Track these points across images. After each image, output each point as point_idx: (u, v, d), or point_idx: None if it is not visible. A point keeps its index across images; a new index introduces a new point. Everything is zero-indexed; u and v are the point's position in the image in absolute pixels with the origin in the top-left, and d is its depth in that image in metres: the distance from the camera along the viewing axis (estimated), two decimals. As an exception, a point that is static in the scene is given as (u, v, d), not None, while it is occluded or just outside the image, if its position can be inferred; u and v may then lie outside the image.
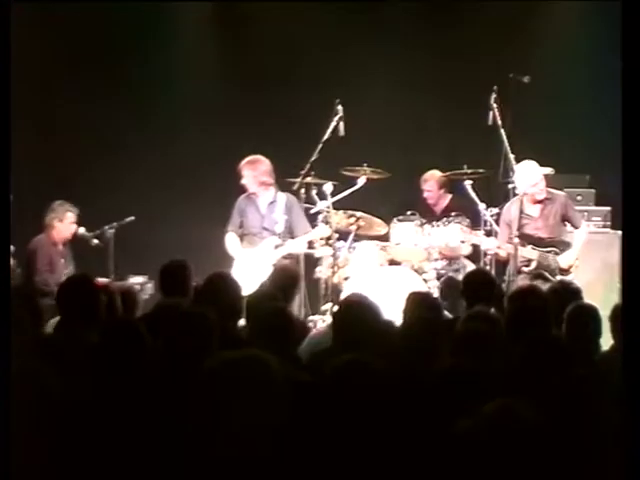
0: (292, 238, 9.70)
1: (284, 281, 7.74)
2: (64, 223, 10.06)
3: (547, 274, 9.19)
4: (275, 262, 9.37)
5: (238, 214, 9.90)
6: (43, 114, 11.58)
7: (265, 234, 9.74)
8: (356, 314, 5.54)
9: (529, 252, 9.20)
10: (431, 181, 10.81)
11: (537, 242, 9.27)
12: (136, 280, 10.38)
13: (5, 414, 3.36)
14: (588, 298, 6.88)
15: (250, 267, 8.73)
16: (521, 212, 9.23)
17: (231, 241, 9.83)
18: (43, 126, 11.56)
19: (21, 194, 9.03)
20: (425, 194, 10.86)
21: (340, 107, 10.19)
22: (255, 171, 9.80)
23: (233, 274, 9.16)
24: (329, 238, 9.72)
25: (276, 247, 9.63)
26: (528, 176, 9.28)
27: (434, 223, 10.16)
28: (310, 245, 9.78)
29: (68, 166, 11.49)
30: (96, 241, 10.18)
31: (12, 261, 8.79)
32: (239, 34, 12.10)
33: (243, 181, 9.84)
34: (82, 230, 10.16)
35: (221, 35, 12.27)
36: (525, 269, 9.18)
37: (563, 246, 9.35)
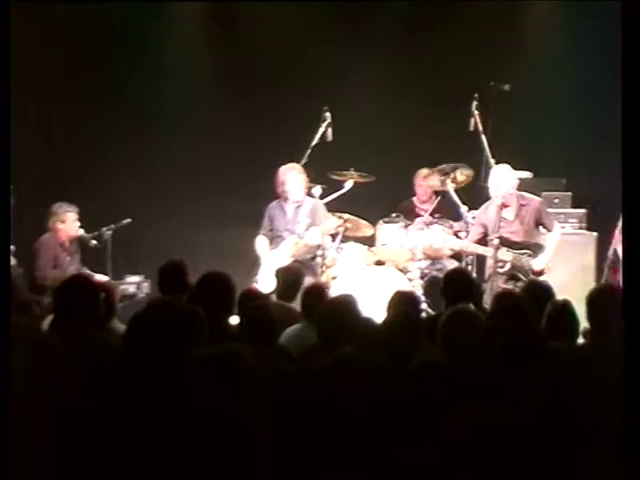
0: None
1: (288, 280, 7.75)
2: (67, 224, 9.98)
3: (520, 275, 9.19)
4: (292, 259, 9.49)
5: (268, 219, 9.93)
6: (40, 117, 11.49)
7: (287, 235, 9.78)
8: (337, 312, 5.54)
9: (504, 254, 9.21)
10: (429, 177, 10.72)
11: (512, 245, 9.27)
12: (133, 279, 10.38)
13: (4, 413, 3.30)
14: (565, 297, 6.84)
15: (274, 267, 8.73)
16: (497, 215, 9.22)
17: (260, 244, 9.87)
18: (41, 129, 11.47)
19: (20, 196, 8.97)
20: (420, 190, 10.80)
21: (328, 114, 10.28)
22: (301, 179, 9.81)
23: (258, 274, 9.58)
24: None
25: (295, 243, 9.69)
26: (501, 180, 9.28)
27: (418, 225, 10.15)
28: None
29: (66, 169, 11.46)
30: (94, 242, 10.12)
31: (13, 260, 8.74)
32: (230, 37, 12.05)
33: (287, 187, 9.80)
34: (81, 232, 10.10)
35: (212, 38, 12.20)
36: (500, 270, 9.18)
37: (537, 249, 9.34)
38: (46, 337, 4.12)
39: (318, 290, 6.98)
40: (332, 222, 9.78)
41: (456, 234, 9.86)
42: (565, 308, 5.98)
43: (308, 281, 9.09)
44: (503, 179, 9.29)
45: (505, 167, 9.44)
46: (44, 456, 3.47)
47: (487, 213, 9.40)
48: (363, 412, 3.50)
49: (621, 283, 9.09)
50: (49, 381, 3.58)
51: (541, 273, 9.24)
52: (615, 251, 9.69)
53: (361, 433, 3.47)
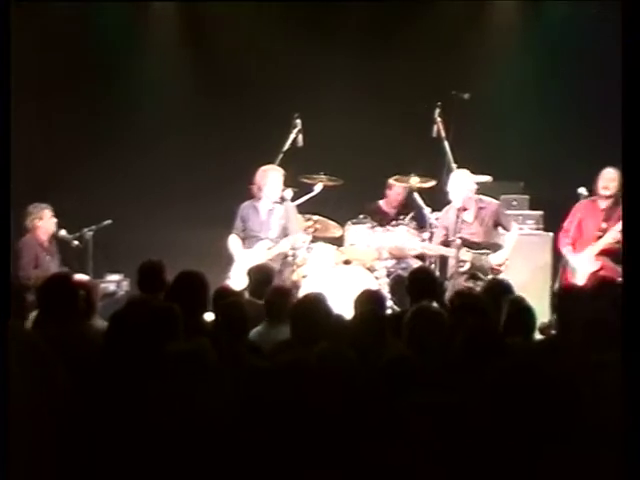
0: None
1: (260, 278, 7.75)
2: (45, 220, 9.92)
3: (480, 274, 9.24)
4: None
5: (241, 219, 9.89)
6: (21, 120, 11.34)
7: (263, 237, 9.75)
8: (308, 309, 5.55)
9: (464, 254, 9.25)
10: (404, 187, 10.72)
11: (472, 245, 9.34)
12: (113, 278, 10.35)
13: (4, 410, 3.27)
14: (523, 295, 6.87)
15: (247, 266, 8.70)
16: (457, 217, 9.26)
17: (232, 243, 9.83)
18: (23, 132, 11.31)
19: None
20: (398, 196, 10.78)
21: (299, 120, 10.31)
22: (280, 180, 9.79)
23: (231, 272, 9.55)
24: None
25: (269, 248, 9.65)
26: (459, 185, 9.33)
27: (385, 226, 10.17)
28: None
29: (48, 173, 11.37)
30: (76, 242, 10.11)
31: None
32: (204, 45, 12.08)
33: (266, 187, 9.77)
34: (63, 232, 10.07)
35: (187, 45, 12.19)
36: (461, 269, 9.22)
37: (496, 248, 9.42)
38: (30, 335, 4.11)
39: (281, 291, 6.97)
40: (303, 237, 9.80)
41: (420, 235, 9.90)
42: (522, 305, 6.00)
43: (279, 279, 9.15)
44: (461, 184, 9.36)
45: (463, 172, 9.51)
46: (32, 448, 3.46)
47: (448, 216, 9.47)
48: (337, 404, 3.51)
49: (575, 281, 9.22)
50: (35, 377, 3.57)
51: (499, 270, 9.30)
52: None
53: (334, 425, 3.47)
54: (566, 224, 9.70)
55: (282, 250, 9.71)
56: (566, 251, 9.60)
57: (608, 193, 9.45)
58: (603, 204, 9.51)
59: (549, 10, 11.92)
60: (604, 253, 9.36)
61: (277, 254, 9.69)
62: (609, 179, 9.45)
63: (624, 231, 3.71)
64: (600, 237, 9.40)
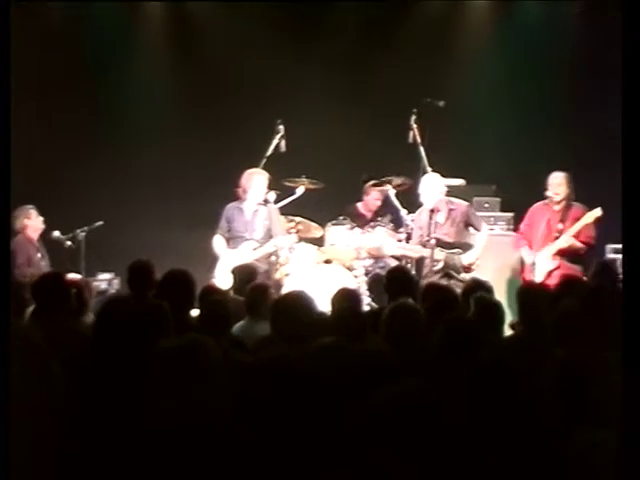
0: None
1: (243, 277, 7.77)
2: (32, 219, 9.90)
3: (453, 272, 9.27)
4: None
5: (226, 220, 9.87)
6: (18, 125, 11.23)
7: (248, 238, 9.75)
8: (291, 306, 5.54)
9: (437, 253, 9.29)
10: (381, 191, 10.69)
11: (444, 245, 9.37)
12: (104, 277, 10.36)
13: (4, 408, 3.21)
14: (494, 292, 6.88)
15: (232, 265, 8.68)
16: (430, 219, 9.28)
17: (217, 243, 9.83)
18: (18, 136, 11.18)
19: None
20: (376, 202, 10.74)
21: (281, 127, 10.32)
22: (265, 183, 9.77)
23: (216, 271, 9.54)
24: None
25: (254, 249, 9.66)
26: (430, 188, 9.36)
27: (364, 227, 10.18)
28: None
29: (42, 175, 11.32)
30: (69, 243, 10.13)
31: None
32: (192, 52, 12.10)
33: (251, 190, 9.76)
34: (57, 233, 10.07)
35: (176, 52, 12.18)
36: (434, 268, 9.24)
37: (467, 247, 9.46)
38: (30, 331, 4.07)
39: (260, 288, 6.97)
40: (288, 239, 9.81)
41: (397, 235, 9.93)
42: (491, 300, 6.01)
43: (265, 278, 9.15)
44: (432, 187, 9.41)
45: (434, 176, 9.56)
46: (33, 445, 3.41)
47: (420, 217, 9.53)
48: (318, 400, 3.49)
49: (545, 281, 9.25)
50: (35, 374, 3.53)
51: (470, 268, 9.34)
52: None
53: (319, 421, 3.45)
54: (522, 226, 9.86)
55: (269, 250, 9.72)
56: (524, 250, 9.70)
57: (559, 198, 9.58)
58: (557, 207, 9.60)
59: (520, 11, 11.92)
60: (560, 253, 9.46)
61: (263, 254, 9.70)
62: (557, 185, 9.61)
63: (624, 231, 3.65)
64: (557, 237, 9.50)
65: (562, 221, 9.55)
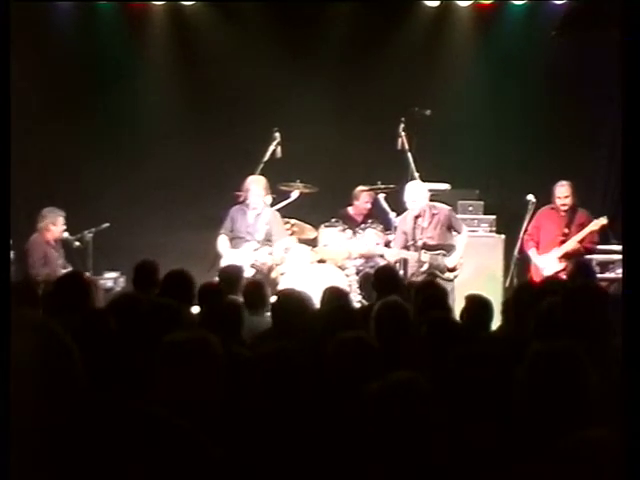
0: (269, 243, 9.80)
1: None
2: (57, 226, 9.99)
3: (437, 272, 9.32)
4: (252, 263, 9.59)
5: (230, 220, 9.89)
6: (31, 128, 11.21)
7: (250, 239, 9.77)
8: (292, 304, 5.56)
9: (422, 255, 9.31)
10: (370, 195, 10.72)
11: (428, 247, 9.41)
12: (110, 275, 10.36)
13: (6, 406, 3.19)
14: (476, 290, 6.88)
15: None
16: (414, 223, 9.33)
17: (221, 242, 9.86)
18: (31, 142, 11.16)
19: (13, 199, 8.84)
20: (365, 205, 10.75)
21: (277, 134, 10.35)
22: (262, 190, 9.79)
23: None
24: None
25: (255, 250, 9.71)
26: (414, 194, 9.41)
27: (355, 230, 10.22)
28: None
29: (54, 178, 11.36)
30: (77, 243, 10.16)
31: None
32: (194, 63, 12.05)
33: (250, 195, 9.80)
34: (66, 234, 10.09)
35: (178, 61, 12.12)
36: (420, 269, 9.30)
37: (449, 249, 9.50)
38: (49, 322, 4.06)
39: (256, 284, 7.01)
40: (287, 242, 9.87)
41: (386, 237, 9.97)
42: (481, 300, 6.01)
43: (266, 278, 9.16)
44: (416, 193, 9.43)
45: (417, 183, 9.62)
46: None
47: (406, 222, 9.54)
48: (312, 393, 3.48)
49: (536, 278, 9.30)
50: (57, 365, 3.52)
51: (454, 269, 9.40)
52: (520, 250, 9.92)
53: (314, 415, 3.44)
54: (530, 229, 10.00)
55: (282, 255, 9.79)
56: (532, 252, 9.87)
57: (566, 208, 9.87)
58: (563, 212, 9.88)
59: (505, 19, 11.92)
60: (566, 256, 9.59)
61: (266, 256, 9.74)
62: (564, 196, 9.87)
63: (624, 231, 3.65)
64: (563, 241, 9.67)
65: (568, 226, 9.82)
